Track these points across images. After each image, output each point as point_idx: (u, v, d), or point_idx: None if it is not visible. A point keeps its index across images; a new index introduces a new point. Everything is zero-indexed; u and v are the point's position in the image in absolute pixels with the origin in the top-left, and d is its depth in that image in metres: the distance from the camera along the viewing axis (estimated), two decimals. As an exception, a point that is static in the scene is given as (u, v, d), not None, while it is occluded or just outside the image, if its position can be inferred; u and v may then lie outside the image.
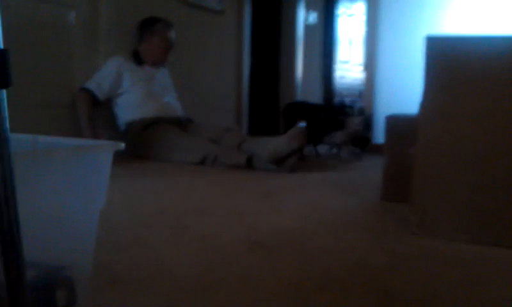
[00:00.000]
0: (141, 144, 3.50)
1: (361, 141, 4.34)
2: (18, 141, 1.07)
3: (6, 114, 0.61)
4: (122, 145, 0.95)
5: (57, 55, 3.31)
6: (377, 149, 3.85)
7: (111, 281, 1.24)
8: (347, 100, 4.61)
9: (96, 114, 3.49)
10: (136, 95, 3.64)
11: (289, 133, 3.15)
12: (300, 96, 6.11)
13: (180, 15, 4.24)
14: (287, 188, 2.67)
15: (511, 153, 1.68)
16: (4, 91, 0.61)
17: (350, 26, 7.09)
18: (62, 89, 3.37)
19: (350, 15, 7.05)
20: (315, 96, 6.58)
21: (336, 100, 5.35)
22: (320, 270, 1.39)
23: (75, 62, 3.43)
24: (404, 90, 4.19)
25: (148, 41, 3.79)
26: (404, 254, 1.58)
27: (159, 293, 1.18)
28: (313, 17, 6.33)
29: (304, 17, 6.14)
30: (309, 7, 6.22)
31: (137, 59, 3.77)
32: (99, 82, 3.51)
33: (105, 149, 0.95)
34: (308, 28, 6.22)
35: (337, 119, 4.26)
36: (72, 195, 0.92)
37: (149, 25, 3.81)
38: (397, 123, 2.35)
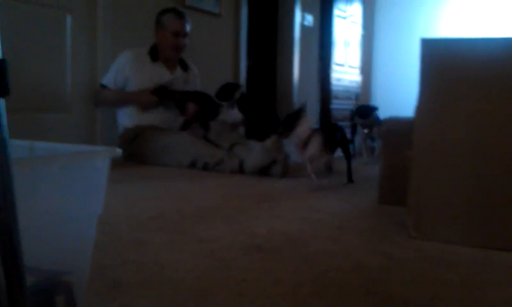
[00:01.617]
0: (133, 150, 3.46)
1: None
2: (15, 147, 1.07)
3: (5, 122, 0.62)
4: (119, 151, 0.96)
5: (53, 59, 3.31)
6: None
7: (111, 285, 1.25)
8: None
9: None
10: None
11: (264, 145, 3.16)
12: (297, 98, 6.11)
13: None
14: (283, 192, 2.68)
15: (507, 155, 1.69)
16: (3, 100, 0.61)
17: (346, 29, 7.11)
18: (58, 93, 3.37)
19: (346, 18, 7.07)
20: (311, 98, 6.60)
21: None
22: (317, 273, 1.40)
23: (72, 66, 3.43)
24: (401, 93, 4.21)
25: (157, 34, 3.56)
26: (401, 257, 1.59)
27: (158, 297, 1.19)
28: (309, 19, 6.34)
29: (301, 19, 6.15)
30: (305, 9, 6.24)
31: (153, 54, 3.58)
32: (115, 78, 3.50)
33: (102, 155, 0.95)
34: (304, 30, 6.23)
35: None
36: (70, 201, 0.93)
37: (159, 17, 3.57)
38: (393, 126, 2.36)
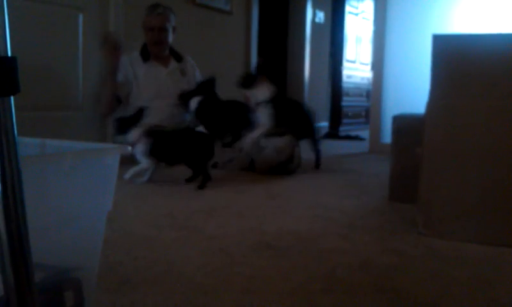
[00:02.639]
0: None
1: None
2: (27, 144, 1.09)
3: (14, 119, 0.63)
4: (129, 149, 0.97)
5: (65, 57, 3.33)
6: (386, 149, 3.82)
7: (121, 281, 1.26)
8: None
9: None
10: (137, 102, 3.48)
11: (277, 144, 3.17)
12: (307, 95, 6.10)
13: (188, 15, 4.25)
14: (293, 189, 2.68)
15: (518, 153, 1.67)
16: (12, 97, 0.62)
17: (358, 25, 7.08)
18: (70, 91, 3.39)
19: (358, 14, 7.04)
20: (322, 95, 6.58)
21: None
22: (326, 270, 1.40)
23: (84, 64, 3.45)
24: (412, 89, 4.18)
25: (144, 34, 3.51)
26: (411, 254, 1.58)
27: (168, 294, 1.19)
28: (321, 16, 6.32)
29: (312, 16, 6.14)
30: (317, 6, 6.22)
31: (144, 54, 3.53)
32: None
33: (112, 153, 0.96)
34: (315, 27, 6.21)
35: None
36: (80, 197, 0.93)
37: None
38: (404, 123, 2.35)
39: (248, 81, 3.35)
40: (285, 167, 3.15)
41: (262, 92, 3.30)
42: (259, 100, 3.27)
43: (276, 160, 3.14)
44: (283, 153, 3.16)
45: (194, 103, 3.24)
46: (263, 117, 3.22)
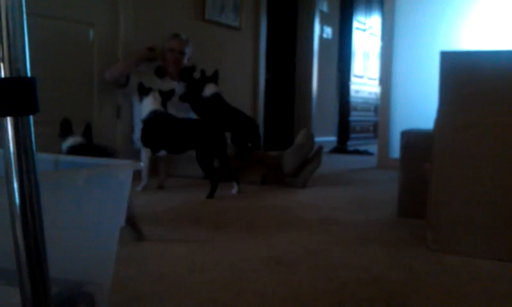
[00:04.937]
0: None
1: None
2: (41, 160, 1.10)
3: (33, 137, 0.64)
4: (142, 165, 0.98)
5: (77, 71, 3.37)
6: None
7: (131, 296, 1.27)
8: None
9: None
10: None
11: (298, 142, 3.32)
12: (315, 110, 6.12)
13: (197, 31, 4.30)
14: (303, 203, 2.68)
15: (527, 169, 1.67)
16: (31, 117, 0.64)
17: (365, 41, 7.11)
18: (82, 105, 3.43)
19: (365, 30, 7.07)
20: (330, 110, 6.60)
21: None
22: (336, 286, 1.40)
23: (95, 78, 3.49)
24: (420, 104, 4.18)
25: (161, 56, 3.86)
26: (421, 270, 1.58)
27: (177, 309, 1.20)
28: (328, 32, 6.36)
29: (320, 32, 6.17)
30: (324, 22, 6.25)
31: (159, 72, 3.85)
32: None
33: (125, 169, 0.98)
34: (323, 43, 6.25)
35: None
36: (94, 213, 0.95)
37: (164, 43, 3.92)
38: (412, 138, 2.35)
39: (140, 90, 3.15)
40: (310, 164, 3.25)
41: (146, 104, 3.09)
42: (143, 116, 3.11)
43: (301, 156, 3.25)
44: (306, 147, 3.28)
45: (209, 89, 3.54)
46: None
